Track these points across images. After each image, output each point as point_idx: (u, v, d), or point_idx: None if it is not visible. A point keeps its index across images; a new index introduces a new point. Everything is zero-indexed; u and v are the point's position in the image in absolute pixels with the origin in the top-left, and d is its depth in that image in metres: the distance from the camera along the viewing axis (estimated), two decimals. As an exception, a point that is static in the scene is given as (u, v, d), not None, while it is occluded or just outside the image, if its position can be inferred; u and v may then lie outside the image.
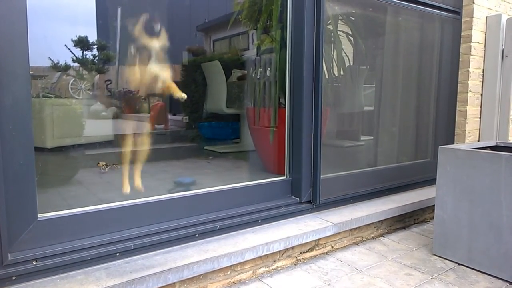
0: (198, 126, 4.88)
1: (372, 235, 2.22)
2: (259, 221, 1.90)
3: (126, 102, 6.00)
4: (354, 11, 2.76)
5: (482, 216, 1.78)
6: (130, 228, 1.57)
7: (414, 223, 2.46)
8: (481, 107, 2.91)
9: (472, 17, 2.77)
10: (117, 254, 1.48)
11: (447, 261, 1.91)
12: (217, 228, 1.75)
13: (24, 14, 1.28)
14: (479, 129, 2.92)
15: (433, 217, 2.24)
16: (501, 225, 1.72)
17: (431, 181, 2.67)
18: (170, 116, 5.55)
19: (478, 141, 2.92)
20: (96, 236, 1.48)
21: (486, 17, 2.85)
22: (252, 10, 2.97)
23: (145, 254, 1.54)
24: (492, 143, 2.17)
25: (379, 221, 2.22)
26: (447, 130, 2.90)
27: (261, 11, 2.84)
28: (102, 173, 2.80)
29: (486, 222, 1.77)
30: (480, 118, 2.91)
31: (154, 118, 5.37)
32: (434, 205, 2.00)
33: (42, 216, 1.39)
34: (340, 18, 2.68)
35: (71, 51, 5.12)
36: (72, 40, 5.10)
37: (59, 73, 4.98)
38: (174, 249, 1.60)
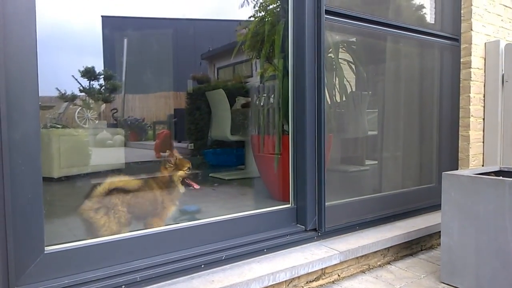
0: (203, 153, 4.91)
1: (379, 263, 2.19)
2: (265, 250, 1.89)
3: (131, 130, 6.08)
4: (354, 40, 2.83)
5: (488, 243, 1.77)
6: (136, 259, 1.57)
7: (421, 250, 2.43)
8: (483, 131, 2.92)
9: (471, 43, 2.82)
10: (123, 286, 1.48)
11: (455, 289, 1.89)
12: (223, 258, 1.74)
13: (34, 52, 1.34)
14: (483, 154, 2.92)
15: (440, 243, 2.22)
16: (507, 252, 1.70)
17: (437, 207, 2.65)
18: (175, 144, 5.60)
19: (482, 165, 2.91)
20: (102, 268, 1.48)
21: (485, 43, 2.90)
22: (254, 41, 3.05)
23: (151, 286, 1.53)
24: (496, 168, 2.17)
25: (385, 249, 2.20)
26: (451, 155, 2.91)
27: (263, 41, 2.92)
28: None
29: (493, 249, 1.75)
30: (483, 142, 2.92)
31: (159, 145, 5.42)
32: (440, 231, 1.99)
33: (49, 249, 1.40)
34: (341, 46, 2.74)
35: (78, 82, 5.23)
36: (79, 71, 5.23)
37: (66, 103, 5.08)
38: (180, 280, 1.60)
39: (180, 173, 2.02)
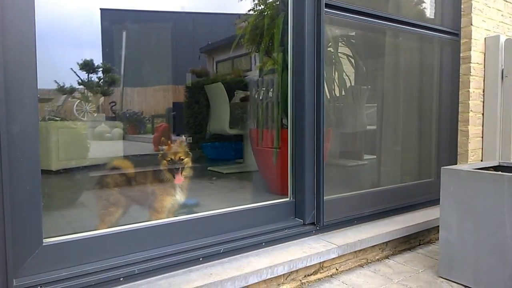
0: (202, 147, 4.91)
1: (377, 257, 2.20)
2: (263, 243, 1.90)
3: (130, 124, 6.07)
4: (354, 34, 2.82)
5: (486, 238, 1.77)
6: (134, 252, 1.57)
7: (420, 244, 2.44)
8: (483, 126, 2.92)
9: (471, 38, 2.81)
10: (121, 279, 1.48)
11: (453, 283, 1.89)
12: (221, 251, 1.75)
13: (33, 45, 1.33)
14: (482, 149, 2.92)
15: (438, 238, 2.23)
16: (505, 247, 1.71)
17: (436, 201, 2.65)
18: (173, 137, 5.59)
19: (481, 160, 2.92)
20: (100, 261, 1.48)
21: (485, 38, 2.89)
22: (254, 34, 3.04)
23: (149, 279, 1.54)
24: (495, 163, 2.17)
25: (383, 243, 2.21)
26: (450, 150, 2.91)
27: (262, 34, 2.90)
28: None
29: (491, 244, 1.76)
30: (482, 137, 2.92)
31: (158, 139, 5.41)
32: (439, 226, 2.00)
33: (47, 241, 1.40)
34: (341, 40, 2.73)
35: (76, 74, 5.21)
36: (77, 64, 5.20)
37: (65, 95, 5.06)
38: (178, 273, 1.60)
39: (164, 162, 1.96)
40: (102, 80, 5.56)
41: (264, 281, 1.72)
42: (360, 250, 2.10)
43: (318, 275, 1.94)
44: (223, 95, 4.18)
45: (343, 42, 2.77)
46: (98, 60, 5.48)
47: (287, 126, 2.21)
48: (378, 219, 2.39)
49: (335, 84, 2.65)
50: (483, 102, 2.92)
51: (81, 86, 5.32)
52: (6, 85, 1.27)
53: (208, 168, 4.21)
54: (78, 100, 5.28)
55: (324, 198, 2.10)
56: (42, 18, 1.43)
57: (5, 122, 1.27)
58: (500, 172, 1.80)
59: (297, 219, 2.10)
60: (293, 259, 1.78)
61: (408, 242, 2.37)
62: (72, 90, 5.16)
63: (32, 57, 1.33)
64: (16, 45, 1.29)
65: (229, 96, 4.21)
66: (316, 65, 2.08)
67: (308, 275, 1.90)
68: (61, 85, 5.08)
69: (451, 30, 2.84)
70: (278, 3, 2.90)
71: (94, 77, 5.44)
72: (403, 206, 2.56)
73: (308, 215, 2.08)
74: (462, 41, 2.87)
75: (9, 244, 1.28)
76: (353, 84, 2.85)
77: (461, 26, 2.86)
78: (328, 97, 2.51)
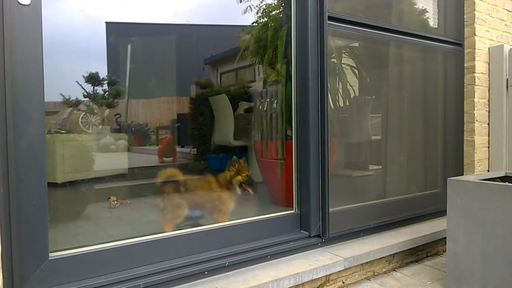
0: (206, 158, 4.91)
1: (384, 270, 2.18)
2: (268, 256, 1.88)
3: (135, 135, 6.10)
4: (357, 45, 2.83)
5: (495, 250, 1.75)
6: (139, 266, 1.56)
7: (427, 256, 2.41)
8: (489, 136, 2.90)
9: (475, 48, 2.81)
10: (126, 293, 1.47)
11: (462, 296, 1.87)
12: (226, 264, 1.74)
13: (40, 60, 1.34)
14: (488, 159, 2.90)
15: (446, 250, 2.20)
16: (515, 259, 1.68)
17: (442, 212, 2.63)
18: (178, 149, 5.60)
19: (488, 171, 2.89)
20: (106, 275, 1.48)
21: (489, 48, 2.89)
22: (257, 46, 3.06)
23: (154, 293, 1.53)
24: (501, 174, 2.15)
25: (390, 255, 2.19)
26: (456, 160, 2.89)
27: (266, 46, 2.92)
28: (112, 208, 2.80)
29: (500, 256, 1.73)
30: (488, 147, 2.90)
31: (163, 150, 5.43)
32: (446, 238, 1.97)
33: (53, 255, 1.40)
34: (344, 51, 2.74)
35: (82, 87, 5.25)
36: (83, 76, 5.26)
37: (70, 108, 5.10)
38: (183, 287, 1.59)
39: (239, 177, 2.23)
40: (107, 93, 5.60)
41: (270, 294, 1.70)
42: (367, 262, 2.07)
43: (325, 288, 1.92)
44: (227, 106, 4.20)
45: (347, 53, 2.78)
46: (103, 73, 5.53)
47: (292, 137, 2.21)
48: (384, 231, 2.37)
49: (339, 94, 2.66)
50: (489, 112, 2.91)
51: (87, 99, 5.37)
52: (14, 99, 1.29)
53: (213, 180, 4.20)
54: (84, 113, 5.33)
55: (330, 210, 2.08)
56: (48, 32, 1.44)
57: (12, 136, 1.28)
58: (507, 183, 1.78)
59: (302, 231, 2.08)
60: (299, 272, 1.77)
61: (415, 254, 2.34)
62: (77, 103, 5.20)
63: (39, 72, 1.34)
64: (24, 61, 1.31)
65: (233, 108, 4.23)
66: (320, 76, 2.08)
67: (314, 288, 1.88)
68: (67, 97, 5.13)
69: (455, 40, 2.85)
70: (281, 15, 2.93)
71: (99, 89, 5.49)
72: (409, 217, 2.54)
73: (314, 227, 2.06)
74: (466, 51, 2.87)
75: (15, 258, 1.28)
76: (357, 94, 2.86)
77: (465, 36, 2.87)
78: (332, 107, 2.51)
